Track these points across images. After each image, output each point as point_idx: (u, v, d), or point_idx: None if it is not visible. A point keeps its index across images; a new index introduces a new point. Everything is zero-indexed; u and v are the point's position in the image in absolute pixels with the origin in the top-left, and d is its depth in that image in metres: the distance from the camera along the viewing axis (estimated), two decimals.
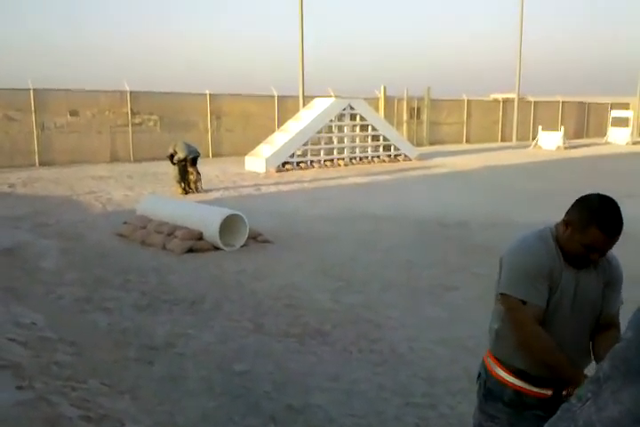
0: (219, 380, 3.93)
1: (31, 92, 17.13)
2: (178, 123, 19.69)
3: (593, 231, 1.99)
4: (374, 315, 5.27)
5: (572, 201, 2.14)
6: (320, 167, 17.36)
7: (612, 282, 2.17)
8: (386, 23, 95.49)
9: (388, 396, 3.75)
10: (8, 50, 59.92)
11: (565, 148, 25.28)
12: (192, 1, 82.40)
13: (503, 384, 2.18)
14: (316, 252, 7.59)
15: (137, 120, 19.19)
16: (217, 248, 7.63)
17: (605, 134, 30.51)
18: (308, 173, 16.12)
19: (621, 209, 2.03)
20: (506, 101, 29.70)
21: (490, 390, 2.21)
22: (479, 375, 2.32)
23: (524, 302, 2.04)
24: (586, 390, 1.23)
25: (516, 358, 2.13)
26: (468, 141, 27.91)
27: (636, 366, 1.11)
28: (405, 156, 19.65)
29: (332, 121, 18.05)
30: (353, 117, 18.58)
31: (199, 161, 12.51)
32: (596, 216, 1.99)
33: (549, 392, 2.13)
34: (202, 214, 7.94)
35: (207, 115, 20.45)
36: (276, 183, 14.10)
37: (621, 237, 2.04)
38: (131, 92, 18.86)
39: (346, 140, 18.62)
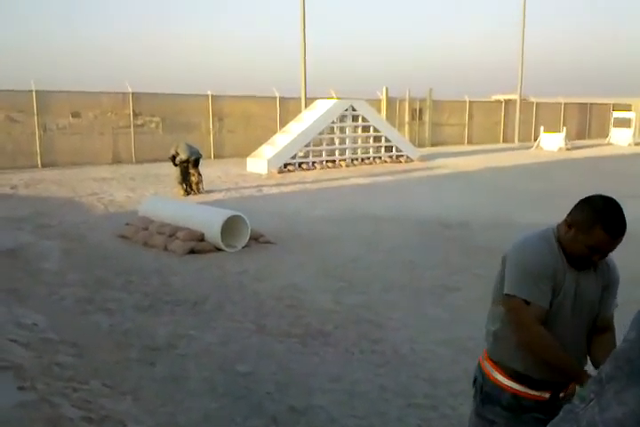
0: (221, 381, 3.93)
1: (33, 93, 17.17)
2: (180, 124, 19.71)
3: (598, 232, 1.98)
4: (376, 316, 5.27)
5: (574, 202, 2.13)
6: (322, 168, 17.37)
7: (610, 285, 2.17)
8: (387, 24, 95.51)
9: (390, 397, 3.75)
10: (10, 51, 60.06)
11: (567, 149, 25.25)
12: (193, 2, 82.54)
13: (501, 388, 2.15)
14: (317, 253, 7.58)
15: (139, 121, 19.21)
16: (219, 249, 7.63)
17: (607, 135, 30.48)
18: (310, 174, 16.12)
19: (624, 210, 2.03)
20: (508, 102, 29.68)
21: (488, 395, 2.19)
22: (475, 379, 2.29)
23: (527, 303, 2.03)
24: (588, 390, 1.22)
25: (517, 359, 2.11)
26: (469, 142, 27.89)
27: (639, 367, 1.11)
28: (407, 157, 19.64)
29: (333, 122, 18.05)
30: (355, 119, 18.59)
31: (201, 162, 12.53)
32: (600, 217, 1.98)
33: (547, 395, 2.12)
34: (204, 216, 7.95)
35: (209, 116, 20.47)
36: (278, 184, 14.11)
37: (624, 238, 2.03)
38: (133, 94, 18.89)
39: (348, 141, 18.62)
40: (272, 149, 16.85)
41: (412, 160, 19.57)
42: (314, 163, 17.46)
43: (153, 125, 19.52)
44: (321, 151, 17.90)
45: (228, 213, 7.80)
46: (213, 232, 7.58)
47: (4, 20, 64.27)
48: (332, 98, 19.85)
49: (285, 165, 16.70)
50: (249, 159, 16.95)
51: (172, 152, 12.22)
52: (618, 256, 2.23)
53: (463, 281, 6.30)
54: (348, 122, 18.45)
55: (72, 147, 17.93)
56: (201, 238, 7.69)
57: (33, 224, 9.27)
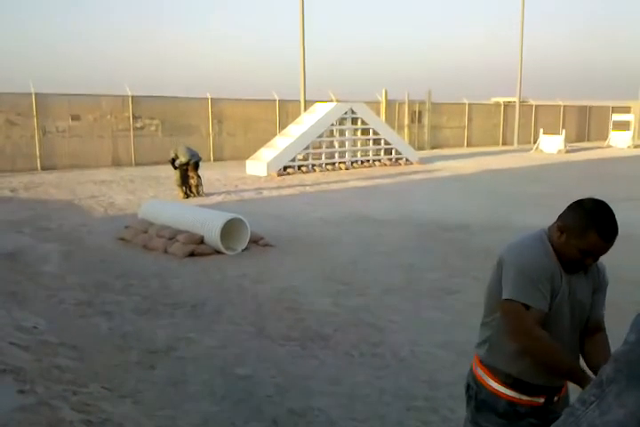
0: (220, 384, 3.92)
1: (33, 96, 17.18)
2: (179, 127, 19.74)
3: (591, 236, 1.97)
4: (375, 318, 5.27)
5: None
6: (321, 171, 17.38)
7: (600, 287, 2.18)
8: (387, 27, 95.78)
9: (390, 400, 3.74)
10: (10, 54, 60.16)
11: (566, 151, 25.29)
12: (193, 5, 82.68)
13: (496, 395, 2.13)
14: (317, 255, 7.58)
15: (138, 124, 19.23)
16: (218, 252, 7.63)
17: (607, 138, 30.52)
18: (310, 177, 16.13)
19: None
20: (507, 105, 29.73)
21: (483, 402, 2.17)
22: (468, 386, 2.26)
23: (526, 307, 2.00)
24: (589, 393, 1.22)
25: (513, 365, 2.09)
26: (469, 145, 27.92)
27: (639, 370, 1.11)
28: (407, 159, 19.67)
29: (333, 125, 18.08)
30: (354, 121, 18.62)
31: (200, 165, 12.54)
32: (593, 221, 1.97)
33: (542, 400, 2.11)
34: (203, 218, 7.95)
35: (208, 119, 20.49)
36: (278, 187, 14.12)
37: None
38: (132, 97, 18.91)
39: (347, 143, 18.64)
40: (272, 151, 16.86)
41: (411, 163, 19.59)
42: (313, 166, 17.48)
43: (153, 128, 19.54)
44: (320, 154, 17.92)
45: (228, 215, 7.80)
46: (213, 235, 7.58)
47: (5, 23, 64.36)
48: (332, 101, 19.89)
49: (285, 168, 16.71)
50: (248, 162, 16.96)
51: (172, 155, 12.24)
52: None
53: (462, 284, 6.29)
54: (348, 125, 18.48)
55: (72, 150, 17.94)
56: (200, 241, 7.69)
57: (32, 227, 9.27)
